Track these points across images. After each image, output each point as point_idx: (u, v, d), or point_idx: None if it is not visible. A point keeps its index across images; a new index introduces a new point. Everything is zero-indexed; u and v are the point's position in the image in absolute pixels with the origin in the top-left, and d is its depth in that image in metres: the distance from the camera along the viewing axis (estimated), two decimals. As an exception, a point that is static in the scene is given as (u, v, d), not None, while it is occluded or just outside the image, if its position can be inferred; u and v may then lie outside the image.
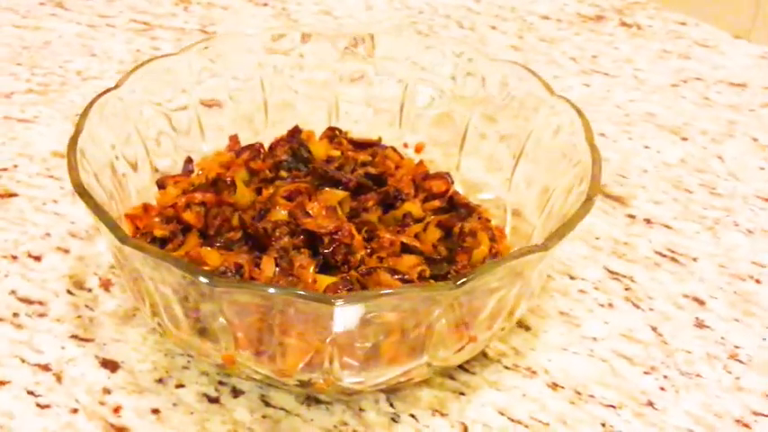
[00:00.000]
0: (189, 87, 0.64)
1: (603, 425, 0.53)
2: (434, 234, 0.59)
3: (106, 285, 0.60)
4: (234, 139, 0.67)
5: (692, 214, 0.70)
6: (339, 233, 0.56)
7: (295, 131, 0.66)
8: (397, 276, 0.53)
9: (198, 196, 0.59)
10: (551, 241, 0.48)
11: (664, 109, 0.84)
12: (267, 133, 0.68)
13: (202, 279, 0.45)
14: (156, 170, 0.63)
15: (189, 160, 0.65)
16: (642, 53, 0.93)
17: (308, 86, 0.68)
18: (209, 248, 0.55)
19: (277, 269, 0.54)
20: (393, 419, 0.52)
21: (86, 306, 0.59)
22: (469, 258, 0.57)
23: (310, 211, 0.57)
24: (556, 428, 0.53)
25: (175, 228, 0.57)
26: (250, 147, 0.65)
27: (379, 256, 0.56)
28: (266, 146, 0.67)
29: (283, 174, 0.62)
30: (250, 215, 0.57)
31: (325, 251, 0.55)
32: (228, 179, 0.61)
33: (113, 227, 0.48)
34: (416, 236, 0.58)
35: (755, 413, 0.54)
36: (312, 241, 0.56)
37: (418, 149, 0.69)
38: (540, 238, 0.56)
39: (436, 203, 0.62)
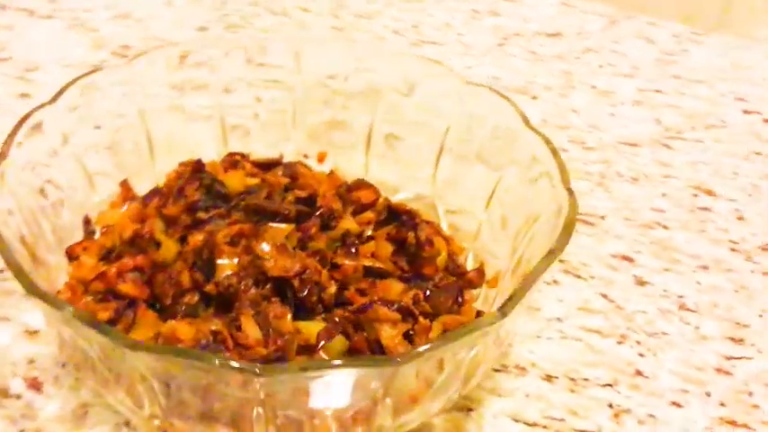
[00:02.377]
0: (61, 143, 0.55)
1: (611, 406, 0.53)
2: (387, 249, 0.55)
3: (36, 386, 0.51)
4: (125, 185, 0.58)
5: (577, 172, 0.72)
6: (307, 272, 0.51)
7: (199, 166, 0.59)
8: (393, 307, 0.49)
9: (128, 262, 0.51)
10: (508, 306, 0.42)
11: (502, 70, 0.85)
12: (156, 171, 0.60)
13: (248, 369, 0.39)
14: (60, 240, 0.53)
15: (87, 221, 0.56)
16: (456, 16, 0.93)
17: (184, 112, 0.61)
18: (176, 322, 0.48)
19: (256, 327, 0.48)
20: (418, 456, 0.49)
21: (24, 416, 0.49)
22: (436, 269, 0.54)
23: (261, 254, 0.52)
24: (572, 422, 0.52)
25: (120, 305, 0.49)
26: (156, 192, 0.57)
27: (359, 288, 0.51)
28: (160, 186, 0.59)
29: (201, 216, 0.55)
30: (182, 271, 0.51)
31: (300, 294, 0.50)
32: (146, 234, 0.53)
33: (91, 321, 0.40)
34: (372, 255, 0.55)
35: (728, 357, 0.57)
36: (276, 287, 0.51)
37: (321, 159, 0.64)
38: (494, 238, 0.55)
39: (370, 215, 0.58)
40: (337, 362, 0.43)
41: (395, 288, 0.51)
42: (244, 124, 0.63)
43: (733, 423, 0.53)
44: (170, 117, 0.60)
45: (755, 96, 0.84)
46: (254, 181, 0.58)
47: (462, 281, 0.55)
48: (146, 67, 0.58)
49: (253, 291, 0.50)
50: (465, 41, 0.89)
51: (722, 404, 0.54)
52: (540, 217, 0.51)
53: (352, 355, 0.48)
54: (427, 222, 0.58)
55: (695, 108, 0.82)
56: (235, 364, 0.38)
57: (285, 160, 0.62)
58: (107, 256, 0.54)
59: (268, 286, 0.50)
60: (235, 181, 0.57)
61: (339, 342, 0.49)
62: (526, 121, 0.55)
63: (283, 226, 0.53)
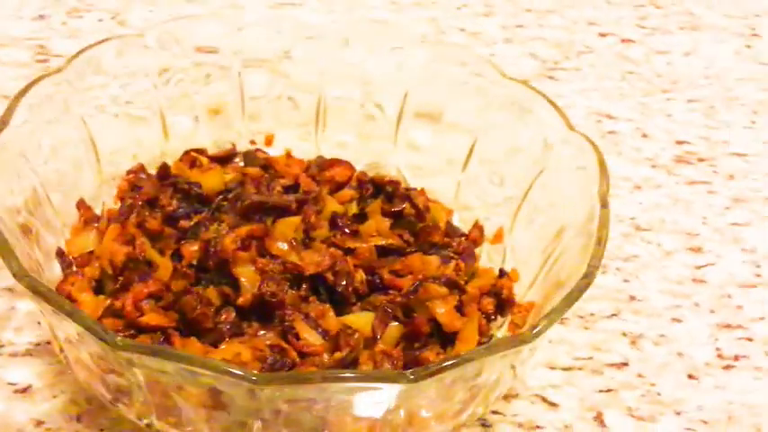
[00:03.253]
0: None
1: (624, 334, 0.55)
2: (385, 224, 0.53)
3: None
4: (83, 204, 0.51)
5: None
6: (338, 264, 0.48)
7: (165, 170, 0.53)
8: (441, 282, 0.48)
9: (141, 290, 0.46)
10: (539, 329, 0.40)
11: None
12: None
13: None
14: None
15: (61, 253, 0.49)
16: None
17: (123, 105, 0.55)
18: (234, 344, 0.43)
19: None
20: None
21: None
22: (442, 236, 0.53)
23: (281, 254, 0.48)
24: (600, 358, 0.53)
25: (153, 338, 0.44)
26: (131, 207, 0.50)
27: (392, 270, 0.49)
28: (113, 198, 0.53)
29: (184, 224, 0.50)
30: (208, 289, 0.46)
31: (338, 288, 0.47)
32: (141, 256, 0.48)
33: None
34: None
35: (697, 267, 0.61)
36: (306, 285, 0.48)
37: (269, 141, 0.60)
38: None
39: (351, 192, 0.55)
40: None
41: (431, 262, 0.49)
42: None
43: (728, 326, 0.57)
44: (106, 121, 0.54)
45: (603, 19, 0.89)
46: (229, 176, 0.53)
47: (467, 241, 0.54)
48: (79, 71, 0.51)
49: (291, 294, 0.46)
50: None
51: (712, 311, 0.58)
52: (547, 167, 0.51)
53: (409, 339, 0.47)
54: (412, 189, 0.56)
55: (558, 38, 0.85)
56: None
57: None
58: (98, 287, 0.48)
59: (304, 286, 0.47)
60: (213, 180, 0.52)
61: (396, 329, 0.47)
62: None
63: (292, 219, 0.50)
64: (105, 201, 0.53)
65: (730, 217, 0.66)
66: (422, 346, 0.46)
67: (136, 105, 0.55)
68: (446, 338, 0.47)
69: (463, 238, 0.54)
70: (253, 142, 0.59)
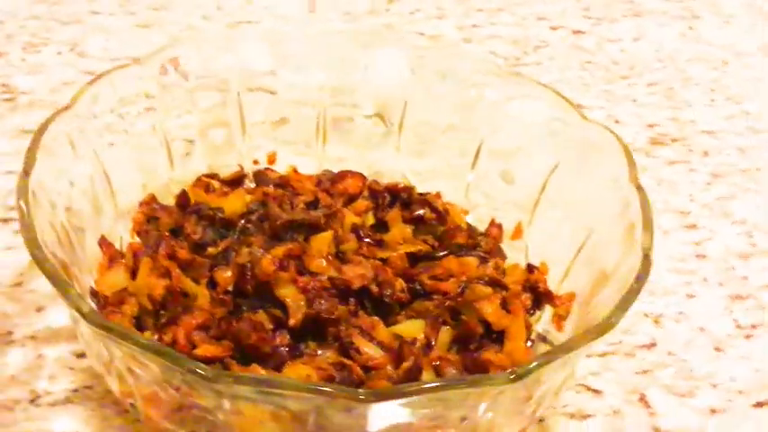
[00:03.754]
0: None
1: (646, 315, 0.56)
2: (408, 231, 0.53)
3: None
4: (105, 242, 0.49)
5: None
6: (380, 274, 0.48)
7: (185, 198, 0.52)
8: (484, 282, 0.48)
9: (191, 322, 0.44)
10: (608, 322, 0.40)
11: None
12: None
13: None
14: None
15: (95, 293, 0.47)
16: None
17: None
18: (300, 367, 0.43)
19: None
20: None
21: None
22: (466, 237, 0.53)
23: (321, 270, 0.48)
24: (629, 340, 0.55)
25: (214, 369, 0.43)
26: (158, 239, 0.49)
27: (433, 276, 0.49)
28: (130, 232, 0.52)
29: (212, 251, 0.49)
30: (258, 313, 0.45)
31: (385, 298, 0.47)
32: (178, 288, 0.46)
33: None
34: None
35: (696, 243, 0.63)
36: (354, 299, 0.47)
37: (271, 160, 0.59)
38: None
39: (366, 203, 0.55)
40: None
41: (470, 264, 0.50)
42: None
43: (739, 297, 0.59)
44: (112, 154, 0.52)
45: (550, 13, 0.90)
46: (248, 198, 0.52)
47: (492, 240, 0.54)
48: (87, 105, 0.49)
49: (342, 311, 0.46)
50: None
51: (721, 284, 0.60)
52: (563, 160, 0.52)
53: (460, 342, 0.47)
54: (427, 194, 0.56)
55: (514, 35, 0.86)
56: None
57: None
58: (137, 324, 0.46)
59: (351, 300, 0.47)
60: (235, 204, 0.51)
61: (447, 333, 0.47)
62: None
63: (325, 234, 0.49)
64: (123, 236, 0.51)
65: (714, 192, 0.68)
66: (478, 347, 0.46)
67: (138, 135, 0.53)
68: (493, 338, 0.48)
69: (487, 237, 0.54)
70: (256, 162, 0.58)
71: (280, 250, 0.47)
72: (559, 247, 0.52)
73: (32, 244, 0.39)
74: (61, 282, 0.38)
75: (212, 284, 0.48)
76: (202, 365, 0.35)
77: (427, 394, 0.35)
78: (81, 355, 0.49)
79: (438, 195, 0.56)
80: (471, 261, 0.50)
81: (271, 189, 0.53)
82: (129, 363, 0.38)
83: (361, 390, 0.35)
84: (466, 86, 0.56)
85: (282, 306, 0.46)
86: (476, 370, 0.44)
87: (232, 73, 0.56)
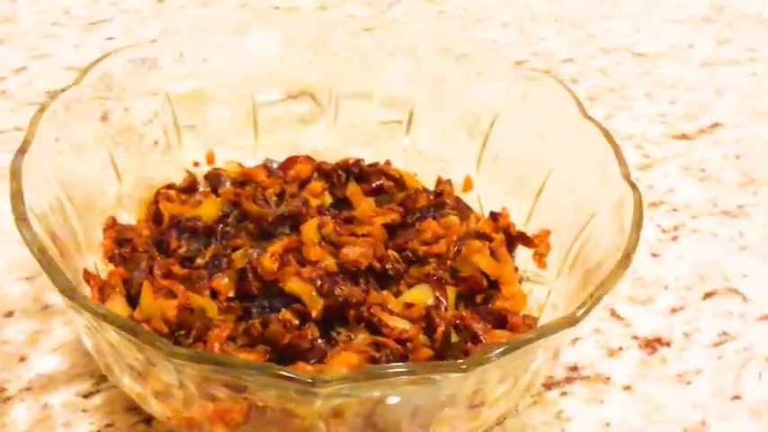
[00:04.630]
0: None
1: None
2: (371, 203, 0.54)
3: None
4: (89, 275, 0.47)
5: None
6: (377, 250, 0.49)
7: (159, 214, 0.50)
8: (473, 236, 0.50)
9: (220, 336, 0.44)
10: (581, 312, 0.39)
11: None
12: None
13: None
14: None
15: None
16: None
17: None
18: (342, 353, 0.43)
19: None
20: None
21: None
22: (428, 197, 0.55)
23: (316, 258, 0.48)
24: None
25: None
26: (148, 260, 0.47)
27: (422, 240, 0.51)
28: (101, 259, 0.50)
29: (200, 262, 0.49)
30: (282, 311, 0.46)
31: (390, 272, 0.49)
32: (189, 307, 0.46)
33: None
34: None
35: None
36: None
37: (210, 159, 0.58)
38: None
39: (321, 184, 0.56)
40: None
41: (454, 223, 0.52)
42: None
43: (654, 204, 0.65)
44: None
45: None
46: (219, 201, 0.52)
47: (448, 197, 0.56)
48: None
49: (358, 294, 0.47)
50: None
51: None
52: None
53: (464, 298, 0.49)
54: (375, 164, 0.57)
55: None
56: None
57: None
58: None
59: (362, 280, 0.48)
60: (210, 209, 0.51)
61: (452, 292, 0.49)
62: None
63: (321, 219, 0.50)
64: (96, 262, 0.49)
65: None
66: (485, 299, 0.49)
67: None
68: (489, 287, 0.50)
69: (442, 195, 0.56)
70: (196, 164, 0.57)
71: (277, 246, 0.48)
72: (516, 191, 0.55)
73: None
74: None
75: (212, 294, 0.47)
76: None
77: (513, 352, 0.37)
78: (88, 395, 0.47)
79: (388, 163, 0.57)
80: (453, 220, 0.52)
81: (240, 188, 0.53)
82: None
83: (461, 360, 0.36)
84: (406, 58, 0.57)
85: (294, 300, 0.46)
86: (496, 319, 0.47)
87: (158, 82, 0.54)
